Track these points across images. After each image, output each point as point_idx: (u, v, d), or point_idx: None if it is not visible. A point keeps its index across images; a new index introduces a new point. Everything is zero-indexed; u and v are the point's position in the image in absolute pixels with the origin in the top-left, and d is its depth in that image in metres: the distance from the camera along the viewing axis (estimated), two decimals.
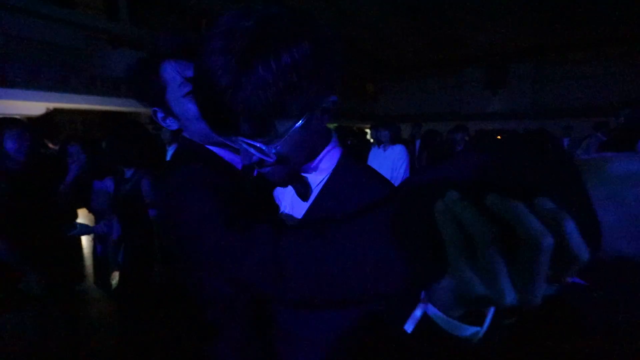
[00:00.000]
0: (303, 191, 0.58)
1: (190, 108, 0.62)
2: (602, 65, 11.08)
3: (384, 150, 3.21)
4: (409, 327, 0.35)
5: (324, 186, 0.58)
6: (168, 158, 3.58)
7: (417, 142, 5.15)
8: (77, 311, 1.91)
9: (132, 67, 0.68)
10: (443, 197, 0.27)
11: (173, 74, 0.63)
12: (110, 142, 1.93)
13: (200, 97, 0.47)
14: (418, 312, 0.35)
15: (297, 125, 0.47)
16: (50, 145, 4.50)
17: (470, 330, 0.33)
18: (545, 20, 9.15)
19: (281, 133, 0.47)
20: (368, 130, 13.20)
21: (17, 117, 5.69)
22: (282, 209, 0.63)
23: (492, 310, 0.34)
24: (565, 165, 0.27)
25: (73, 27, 6.66)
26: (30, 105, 5.97)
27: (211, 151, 0.65)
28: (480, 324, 0.34)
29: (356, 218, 0.40)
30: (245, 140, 0.47)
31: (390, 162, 3.11)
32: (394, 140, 3.20)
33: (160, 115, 0.69)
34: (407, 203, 0.35)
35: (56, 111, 6.51)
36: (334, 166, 0.58)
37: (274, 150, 0.47)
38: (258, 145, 0.46)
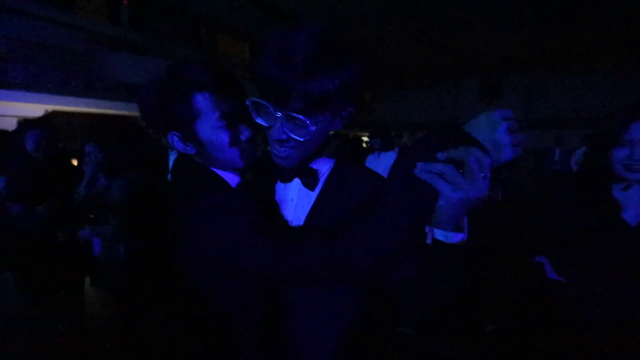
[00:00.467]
0: (311, 182, 0.69)
1: (224, 138, 0.67)
2: (593, 77, 11.37)
3: (378, 156, 3.44)
4: (429, 240, 0.56)
5: (326, 180, 0.70)
6: (172, 162, 3.61)
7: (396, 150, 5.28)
8: (82, 307, 1.94)
9: (153, 92, 0.69)
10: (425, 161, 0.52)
11: (209, 106, 0.66)
12: (110, 146, 1.98)
13: (267, 76, 0.57)
14: (430, 234, 0.56)
15: (327, 117, 0.61)
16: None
17: (458, 236, 0.55)
18: (539, 32, 9.38)
19: (319, 120, 0.59)
20: (365, 138, 13.32)
21: (16, 118, 5.67)
22: (285, 215, 0.71)
23: (466, 222, 0.55)
24: (463, 133, 0.55)
25: (74, 30, 6.71)
26: (29, 107, 5.98)
27: (213, 171, 0.72)
28: (463, 232, 0.55)
29: (375, 205, 0.55)
30: (293, 115, 0.57)
31: (383, 167, 3.30)
32: (386, 147, 3.38)
33: (177, 139, 0.71)
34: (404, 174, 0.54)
35: (55, 113, 6.52)
36: (332, 166, 0.72)
37: (313, 128, 0.58)
38: (303, 119, 0.57)
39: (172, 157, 3.53)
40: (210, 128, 0.67)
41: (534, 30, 9.18)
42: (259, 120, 0.63)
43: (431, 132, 0.57)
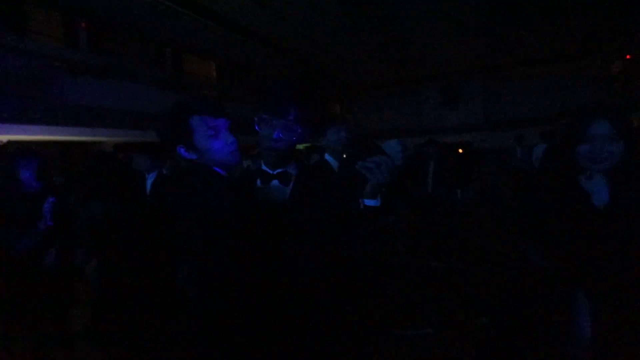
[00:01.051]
0: (285, 180, 1.01)
1: (214, 145, 0.99)
2: (545, 80, 12.35)
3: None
4: (361, 206, 0.92)
5: (295, 179, 1.02)
6: (149, 184, 3.52)
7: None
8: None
9: (165, 117, 1.01)
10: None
11: (201, 124, 0.98)
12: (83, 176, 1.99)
13: (277, 102, 0.95)
14: (362, 203, 0.91)
15: (300, 131, 0.99)
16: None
17: (377, 202, 0.91)
18: (492, 40, 10.09)
19: (298, 130, 0.98)
20: None
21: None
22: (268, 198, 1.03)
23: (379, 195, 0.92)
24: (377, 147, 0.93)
25: (28, 55, 6.40)
26: None
27: (211, 168, 1.01)
28: (377, 199, 0.92)
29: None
30: (290, 122, 0.95)
31: None
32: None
33: (183, 150, 1.01)
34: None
35: (11, 143, 6.13)
36: (298, 170, 1.04)
37: (299, 131, 0.97)
38: (294, 125, 0.96)
39: (149, 180, 3.44)
40: (203, 139, 0.98)
41: (487, 38, 9.85)
42: (258, 129, 0.97)
43: (362, 147, 0.96)
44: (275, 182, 1.02)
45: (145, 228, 2.03)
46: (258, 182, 1.02)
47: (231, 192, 0.98)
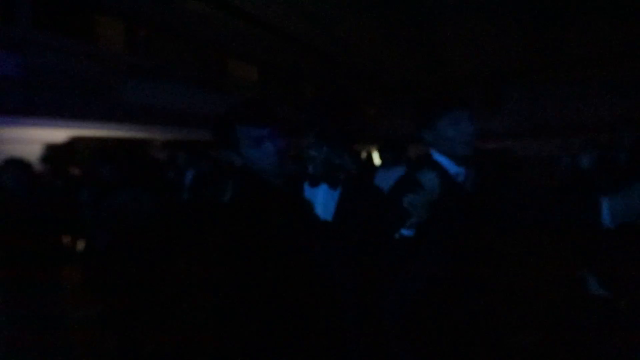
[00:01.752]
0: (334, 184, 1.10)
1: (257, 154, 1.00)
2: (593, 85, 11.60)
3: (388, 170, 3.42)
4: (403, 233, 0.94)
5: (343, 184, 1.11)
6: (187, 180, 3.78)
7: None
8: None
9: (215, 124, 1.06)
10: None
11: (245, 133, 0.99)
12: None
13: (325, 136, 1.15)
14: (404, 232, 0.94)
15: None
16: (72, 171, 4.71)
17: (411, 232, 0.93)
18: (536, 41, 9.65)
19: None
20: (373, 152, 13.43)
21: (40, 144, 5.94)
22: (316, 201, 1.11)
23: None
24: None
25: (94, 58, 7.08)
26: (52, 134, 6.26)
27: (256, 172, 1.02)
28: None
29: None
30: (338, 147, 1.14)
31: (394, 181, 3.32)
32: (394, 162, 3.40)
33: (232, 155, 1.04)
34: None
35: (77, 138, 6.80)
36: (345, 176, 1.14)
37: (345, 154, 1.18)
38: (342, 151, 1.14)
39: (188, 175, 3.73)
40: (247, 147, 1.00)
41: (531, 37, 9.44)
42: (310, 150, 1.15)
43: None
44: (323, 185, 1.10)
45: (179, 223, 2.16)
46: (306, 185, 1.10)
47: (276, 200, 0.98)
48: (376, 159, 6.16)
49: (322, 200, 1.09)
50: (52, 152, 6.73)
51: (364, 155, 7.72)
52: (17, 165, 2.07)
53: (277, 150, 0.98)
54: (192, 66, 9.24)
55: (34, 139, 6.02)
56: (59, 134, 6.38)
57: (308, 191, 1.11)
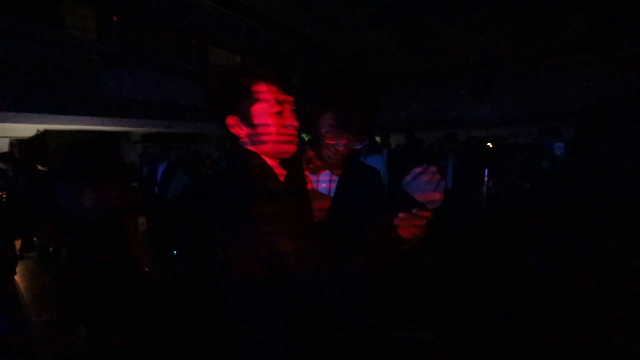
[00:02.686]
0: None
1: (272, 123, 0.80)
2: (585, 71, 11.47)
3: (364, 159, 3.38)
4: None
5: (344, 169, 1.03)
6: (160, 174, 3.60)
7: (384, 151, 5.32)
8: None
9: (223, 78, 0.81)
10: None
11: (268, 94, 0.79)
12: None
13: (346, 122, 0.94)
14: None
15: None
16: (40, 167, 4.45)
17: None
18: (524, 30, 9.47)
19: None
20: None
21: (7, 139, 5.64)
22: (319, 189, 1.01)
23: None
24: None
25: (63, 48, 6.70)
26: (20, 128, 5.94)
27: (263, 159, 0.83)
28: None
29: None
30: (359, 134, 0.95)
31: None
32: (372, 150, 3.36)
33: (235, 121, 0.81)
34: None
35: (47, 132, 6.48)
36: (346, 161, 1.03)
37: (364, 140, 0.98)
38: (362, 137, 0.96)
39: (160, 169, 3.52)
40: (264, 113, 0.79)
41: (521, 26, 9.25)
42: (327, 139, 0.96)
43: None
44: (327, 171, 1.03)
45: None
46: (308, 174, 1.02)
47: (277, 184, 0.81)
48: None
49: (326, 187, 1.02)
50: (20, 147, 6.42)
51: None
52: None
53: (294, 126, 0.84)
54: (170, 54, 8.86)
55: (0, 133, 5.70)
56: (27, 128, 6.06)
57: (312, 179, 1.02)
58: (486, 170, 6.98)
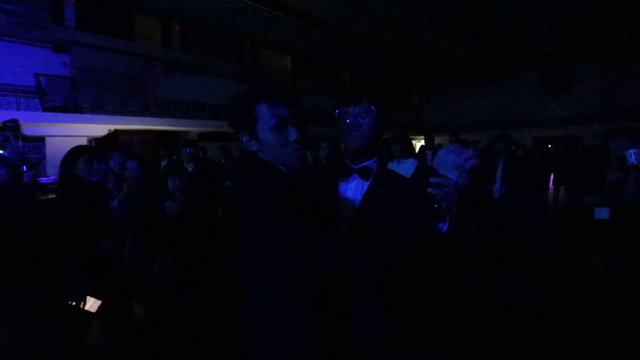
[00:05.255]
0: (365, 175, 1.01)
1: (275, 138, 0.88)
2: None
3: (398, 164, 3.16)
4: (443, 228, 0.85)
5: (374, 174, 1.02)
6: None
7: (428, 153, 4.97)
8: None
9: (232, 103, 0.91)
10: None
11: (264, 113, 0.87)
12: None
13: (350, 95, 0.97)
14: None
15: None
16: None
17: (445, 226, 0.84)
18: (614, 11, 8.19)
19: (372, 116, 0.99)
20: (416, 143, 12.81)
21: (85, 138, 6.40)
22: (347, 195, 1.03)
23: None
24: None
25: (133, 56, 7.45)
26: (96, 128, 6.74)
27: (275, 166, 0.92)
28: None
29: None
30: (365, 106, 0.95)
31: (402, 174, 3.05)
32: (406, 154, 3.11)
33: (245, 139, 0.93)
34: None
35: (117, 132, 7.26)
36: (378, 166, 1.03)
37: (374, 113, 0.97)
38: (369, 108, 0.96)
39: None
40: (266, 130, 0.87)
41: (603, 12, 8.03)
42: (345, 120, 0.98)
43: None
44: (355, 176, 1.04)
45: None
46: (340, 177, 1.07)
47: (289, 192, 0.87)
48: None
49: (353, 193, 1.04)
50: (98, 145, 7.31)
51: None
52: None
53: (296, 139, 0.89)
54: (225, 58, 9.35)
55: (78, 134, 6.52)
56: (101, 128, 6.85)
57: (341, 186, 1.05)
58: (551, 176, 6.20)
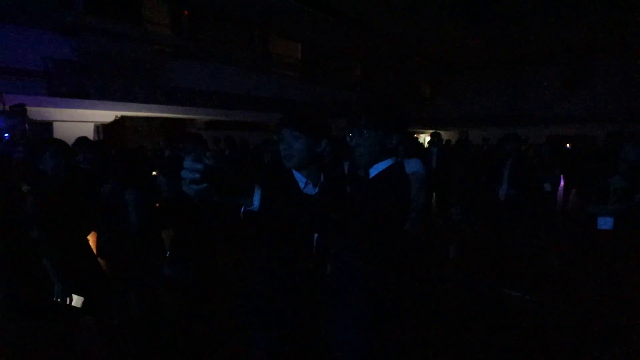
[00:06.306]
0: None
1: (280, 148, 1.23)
2: None
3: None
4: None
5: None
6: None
7: (434, 151, 4.83)
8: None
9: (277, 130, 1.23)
10: None
11: (287, 134, 1.18)
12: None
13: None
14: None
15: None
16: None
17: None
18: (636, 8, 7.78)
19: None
20: (426, 137, 12.54)
21: (92, 123, 6.41)
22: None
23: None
24: None
25: (141, 42, 7.39)
26: (103, 114, 6.74)
27: (291, 172, 1.24)
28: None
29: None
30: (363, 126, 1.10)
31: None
32: (409, 154, 2.96)
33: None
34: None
35: (124, 118, 7.26)
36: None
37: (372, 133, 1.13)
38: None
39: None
40: (289, 147, 1.18)
41: (624, 7, 7.62)
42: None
43: None
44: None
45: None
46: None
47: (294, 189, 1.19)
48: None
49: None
50: (105, 130, 7.32)
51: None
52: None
53: (284, 147, 1.19)
54: (234, 46, 9.23)
55: (86, 119, 6.54)
56: (108, 114, 6.85)
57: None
58: (562, 178, 5.99)
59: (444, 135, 6.35)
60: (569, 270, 3.39)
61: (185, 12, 8.38)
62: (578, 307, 2.71)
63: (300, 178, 1.22)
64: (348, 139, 1.15)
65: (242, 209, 0.82)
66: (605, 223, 2.89)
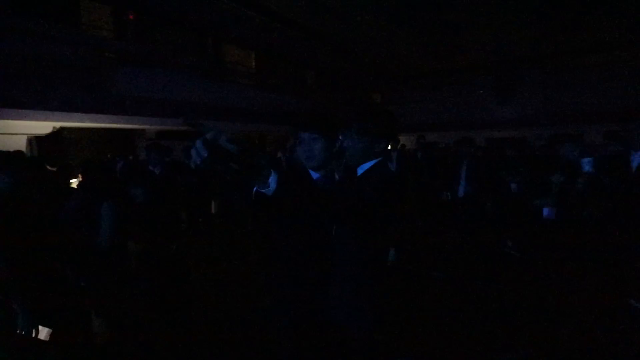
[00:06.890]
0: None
1: (297, 150, 1.32)
2: (614, 70, 10.78)
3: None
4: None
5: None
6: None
7: (394, 155, 5.12)
8: None
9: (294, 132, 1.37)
10: None
11: (306, 137, 1.24)
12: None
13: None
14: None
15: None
16: (49, 168, 4.47)
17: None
18: (552, 27, 8.98)
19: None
20: None
21: (24, 135, 5.74)
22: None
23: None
24: None
25: (80, 46, 6.80)
26: (38, 125, 6.07)
27: (307, 169, 1.28)
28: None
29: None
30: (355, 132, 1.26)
31: None
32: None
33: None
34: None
35: (63, 129, 6.61)
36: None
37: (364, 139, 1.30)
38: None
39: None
40: (306, 149, 1.26)
41: (546, 25, 8.77)
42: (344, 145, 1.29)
43: None
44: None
45: None
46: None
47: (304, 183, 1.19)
48: None
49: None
50: (38, 144, 6.57)
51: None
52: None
53: (303, 150, 1.26)
54: (185, 53, 8.89)
55: (17, 131, 5.84)
56: (45, 125, 6.19)
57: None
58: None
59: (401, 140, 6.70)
60: (523, 256, 3.78)
61: (131, 17, 7.90)
62: (533, 289, 3.03)
63: (314, 174, 1.29)
64: (338, 141, 1.27)
65: (255, 189, 0.82)
66: (549, 213, 3.30)
